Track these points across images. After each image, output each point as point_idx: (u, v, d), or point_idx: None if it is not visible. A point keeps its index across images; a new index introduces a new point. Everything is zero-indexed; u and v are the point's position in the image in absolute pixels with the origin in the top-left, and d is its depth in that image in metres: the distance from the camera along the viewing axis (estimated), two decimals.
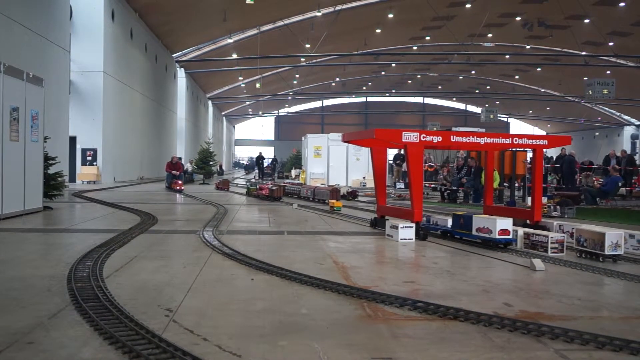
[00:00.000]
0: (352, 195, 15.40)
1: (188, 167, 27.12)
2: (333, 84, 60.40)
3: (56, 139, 15.27)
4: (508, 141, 8.73)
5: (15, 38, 14.66)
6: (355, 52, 40.53)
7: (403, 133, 7.54)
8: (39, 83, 10.02)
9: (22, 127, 9.26)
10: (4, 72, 8.63)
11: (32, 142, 9.72)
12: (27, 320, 3.37)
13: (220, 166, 32.15)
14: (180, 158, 23.04)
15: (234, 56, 36.74)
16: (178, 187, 17.88)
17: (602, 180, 16.93)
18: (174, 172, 19.88)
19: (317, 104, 77.53)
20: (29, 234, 7.46)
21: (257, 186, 15.82)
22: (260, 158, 35.88)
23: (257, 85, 45.24)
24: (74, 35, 20.82)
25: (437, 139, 7.83)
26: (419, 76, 59.54)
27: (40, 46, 16.26)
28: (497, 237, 6.49)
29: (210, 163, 27.74)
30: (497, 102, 62.08)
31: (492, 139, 8.26)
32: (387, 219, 8.07)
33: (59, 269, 4.86)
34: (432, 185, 18.91)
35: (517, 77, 55.20)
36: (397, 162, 23.89)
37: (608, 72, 40.46)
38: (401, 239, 7.12)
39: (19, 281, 4.45)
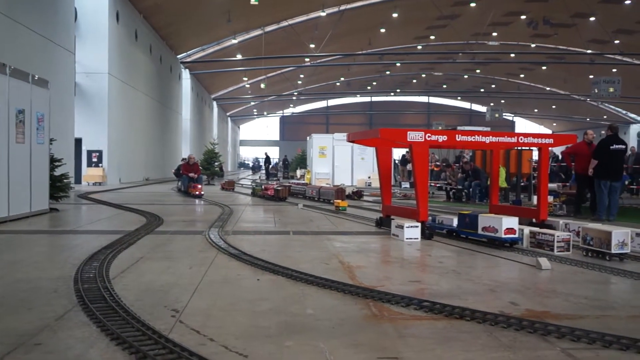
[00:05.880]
0: (357, 195, 15.38)
1: None
2: (337, 83, 60.39)
3: (62, 141, 15.34)
4: (513, 140, 8.69)
5: (20, 40, 14.73)
6: (360, 52, 40.52)
7: (408, 132, 7.52)
8: (45, 85, 10.08)
9: (28, 129, 9.31)
10: (9, 74, 8.67)
11: (38, 144, 9.77)
12: (34, 322, 3.39)
13: (221, 167, 31.97)
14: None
15: (239, 57, 36.82)
16: (197, 192, 15.29)
17: None
18: (191, 174, 17.31)
19: (321, 104, 77.52)
20: (35, 235, 7.49)
21: (263, 186, 15.77)
22: (267, 160, 36.00)
23: (262, 85, 45.34)
24: (78, 37, 20.91)
25: (442, 138, 7.80)
26: (423, 75, 59.47)
27: (46, 48, 16.33)
28: (503, 236, 6.46)
29: (215, 164, 27.77)
30: (503, 101, 61.92)
31: (497, 138, 8.23)
32: (393, 219, 8.06)
33: (66, 271, 4.88)
34: (438, 185, 18.87)
35: (522, 75, 55.01)
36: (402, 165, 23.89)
37: (614, 70, 40.28)
38: (407, 239, 7.11)
39: (25, 283, 4.47)
